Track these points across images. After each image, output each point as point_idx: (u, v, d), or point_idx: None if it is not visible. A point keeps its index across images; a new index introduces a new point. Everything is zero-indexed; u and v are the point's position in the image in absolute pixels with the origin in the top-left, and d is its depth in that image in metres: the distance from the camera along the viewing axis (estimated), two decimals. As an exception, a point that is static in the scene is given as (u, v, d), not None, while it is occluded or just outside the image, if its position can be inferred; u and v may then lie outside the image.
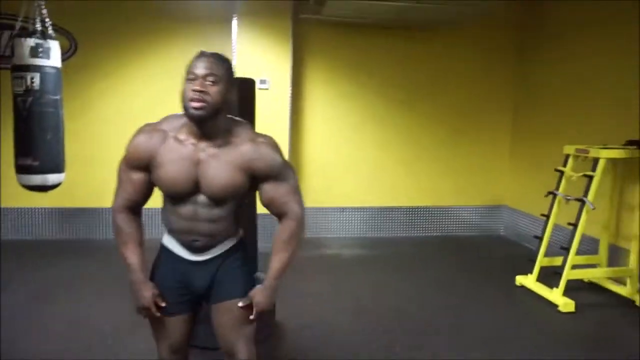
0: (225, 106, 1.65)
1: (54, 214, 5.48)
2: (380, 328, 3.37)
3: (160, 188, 1.74)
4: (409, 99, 5.90)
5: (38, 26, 3.52)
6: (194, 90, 1.58)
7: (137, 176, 1.74)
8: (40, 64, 3.47)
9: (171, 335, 1.87)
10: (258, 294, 1.79)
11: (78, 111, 4.99)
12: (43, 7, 3.54)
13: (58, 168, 3.64)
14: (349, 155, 5.88)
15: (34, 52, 3.45)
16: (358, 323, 3.45)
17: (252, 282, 1.86)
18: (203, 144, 1.67)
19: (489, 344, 3.18)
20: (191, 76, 1.61)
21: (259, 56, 5.22)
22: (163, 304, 1.77)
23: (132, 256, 1.77)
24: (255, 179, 1.72)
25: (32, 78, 3.47)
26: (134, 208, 1.81)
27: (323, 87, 5.75)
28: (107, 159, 5.12)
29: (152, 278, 1.84)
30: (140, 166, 1.72)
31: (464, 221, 6.14)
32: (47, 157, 3.56)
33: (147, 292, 1.76)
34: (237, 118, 1.80)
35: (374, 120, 5.89)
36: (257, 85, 3.56)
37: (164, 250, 1.86)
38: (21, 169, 3.56)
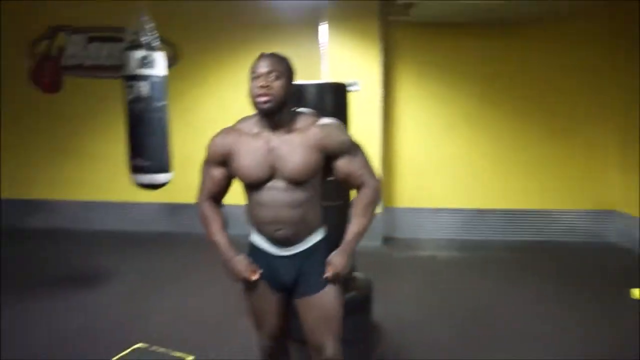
0: (288, 98, 1.78)
1: (162, 208, 5.89)
2: (476, 334, 3.24)
3: (240, 178, 1.84)
4: (504, 98, 5.63)
5: (145, 39, 3.79)
6: (260, 87, 1.72)
7: (216, 172, 1.89)
8: (148, 73, 3.74)
9: (269, 320, 1.95)
10: (335, 257, 1.86)
11: (179, 115, 5.31)
12: (150, 21, 3.80)
13: (165, 168, 3.90)
14: (442, 156, 5.73)
15: (143, 63, 3.71)
16: (453, 327, 3.34)
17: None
18: (274, 133, 1.79)
19: (598, 355, 2.94)
20: (255, 75, 1.76)
21: (348, 59, 5.24)
22: (259, 271, 1.86)
23: (219, 237, 1.92)
24: (327, 158, 1.82)
25: (141, 86, 3.74)
26: (215, 200, 1.96)
27: (413, 88, 5.65)
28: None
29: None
30: (219, 162, 1.87)
31: (567, 226, 5.72)
32: (156, 158, 3.83)
33: (240, 265, 1.86)
34: (300, 109, 1.90)
35: (467, 121, 5.69)
36: (348, 89, 3.57)
37: (252, 246, 1.95)
38: (134, 169, 3.86)
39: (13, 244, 5.44)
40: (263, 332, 2.00)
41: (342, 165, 1.83)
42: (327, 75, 5.25)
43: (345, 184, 1.87)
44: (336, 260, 1.84)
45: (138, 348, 2.42)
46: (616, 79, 5.49)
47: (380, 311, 3.51)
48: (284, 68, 1.78)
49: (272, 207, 1.79)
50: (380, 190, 1.89)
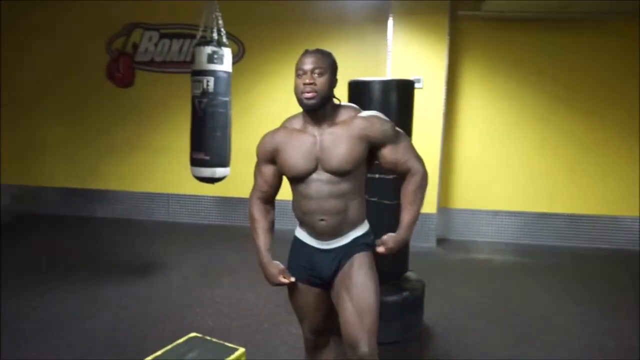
0: (332, 92, 1.85)
1: (222, 202, 6.08)
2: (536, 344, 3.13)
3: (286, 172, 1.89)
4: (573, 97, 5.39)
5: (215, 35, 3.92)
6: (305, 84, 1.78)
7: (267, 169, 1.95)
8: (215, 68, 3.87)
9: (310, 315, 2.00)
10: (389, 240, 1.89)
11: (242, 111, 5.46)
12: (220, 17, 3.93)
13: (225, 163, 4.04)
14: (504, 156, 5.56)
15: (211, 58, 3.85)
16: (511, 335, 3.25)
17: (376, 273, 1.90)
18: (318, 127, 1.84)
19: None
20: (300, 72, 1.82)
21: (413, 55, 5.18)
22: (292, 279, 1.93)
23: (260, 240, 1.98)
24: (372, 149, 1.86)
25: (207, 81, 3.89)
26: (267, 199, 2.01)
27: (479, 85, 5.51)
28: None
29: (289, 259, 2.02)
30: (268, 160, 1.94)
31: (636, 234, 5.42)
32: (216, 153, 3.97)
33: (274, 269, 1.93)
34: (343, 103, 1.94)
35: (533, 119, 5.49)
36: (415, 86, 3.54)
37: (295, 240, 2.00)
38: (195, 162, 4.02)
39: (79, 232, 5.81)
40: (305, 326, 2.05)
41: (388, 153, 1.86)
42: (391, 71, 5.22)
43: (393, 171, 1.90)
44: (390, 245, 1.87)
45: (192, 337, 2.54)
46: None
47: (432, 313, 3.50)
48: (328, 64, 1.83)
49: (316, 199, 1.83)
50: (427, 175, 1.90)
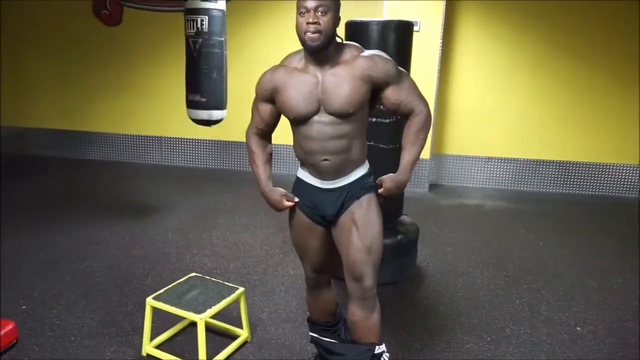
0: (335, 31, 1.79)
1: (216, 145, 6.05)
2: (524, 285, 3.25)
3: (286, 113, 1.86)
4: (573, 43, 5.31)
5: (208, -30, 3.75)
6: (308, 23, 1.71)
7: (264, 107, 1.94)
8: (209, 7, 3.73)
9: (312, 253, 2.02)
10: (388, 181, 1.91)
11: (234, 51, 5.32)
12: (212, -49, 3.74)
13: (221, 105, 3.96)
14: (499, 102, 5.54)
15: (204, -5, 3.70)
16: (500, 277, 3.36)
17: (379, 206, 1.93)
18: (320, 68, 1.79)
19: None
20: (302, 10, 1.74)
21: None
22: (295, 199, 1.96)
23: (259, 170, 2.01)
24: (375, 89, 1.82)
25: (201, 20, 3.75)
26: (263, 135, 2.02)
27: (477, 29, 5.40)
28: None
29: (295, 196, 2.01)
30: (266, 98, 1.92)
31: (626, 181, 5.52)
32: (213, 95, 3.89)
33: (276, 195, 1.96)
34: (345, 41, 1.89)
35: (531, 66, 5.43)
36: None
37: (298, 180, 1.99)
38: (191, 104, 3.94)
39: (69, 174, 5.79)
40: (307, 264, 2.08)
41: (391, 94, 1.83)
42: (387, 14, 5.08)
43: (396, 112, 1.89)
44: (389, 185, 1.90)
45: (192, 277, 2.59)
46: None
47: (424, 255, 3.60)
48: (332, 1, 1.74)
49: (318, 140, 1.81)
50: (430, 115, 1.88)
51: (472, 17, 5.36)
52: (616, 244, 4.07)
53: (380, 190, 1.91)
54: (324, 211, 1.91)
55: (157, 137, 6.16)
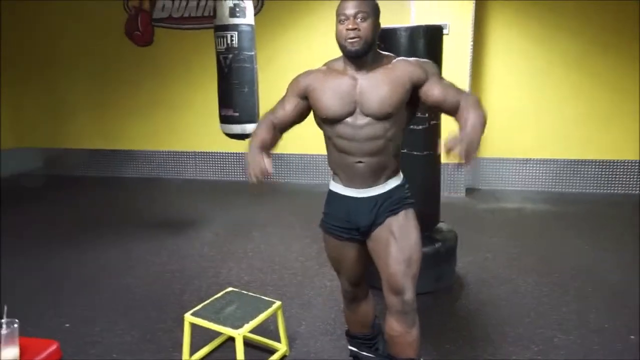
0: (376, 38, 1.77)
1: (242, 158, 6.10)
2: (571, 292, 3.11)
3: (319, 111, 1.82)
4: (611, 41, 5.13)
5: (234, -12, 3.80)
6: (348, 29, 1.71)
7: (291, 102, 1.90)
8: (238, 22, 3.78)
9: (347, 267, 1.98)
10: (457, 140, 1.55)
11: (264, 64, 5.35)
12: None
13: (254, 118, 3.99)
14: (534, 103, 5.40)
15: (233, 12, 3.75)
16: (544, 284, 3.22)
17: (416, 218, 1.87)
18: (359, 71, 1.78)
19: None
20: (342, 17, 1.73)
21: (439, 0, 4.96)
22: (270, 174, 1.76)
23: (255, 139, 1.86)
24: (415, 87, 1.78)
25: (231, 36, 3.80)
26: (277, 125, 1.92)
27: (508, 30, 5.29)
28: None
29: (324, 214, 1.98)
30: (297, 94, 1.88)
31: (674, 179, 5.27)
32: (245, 109, 3.93)
33: (259, 157, 1.77)
34: (384, 52, 1.87)
35: (567, 65, 5.27)
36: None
37: (331, 193, 1.96)
38: (224, 119, 3.99)
39: (108, 192, 5.94)
40: (343, 278, 2.04)
41: (431, 88, 1.76)
42: (415, 19, 5.03)
43: (442, 107, 1.77)
44: (458, 140, 1.55)
45: (230, 291, 2.58)
46: None
47: (463, 263, 3.50)
48: (371, 8, 1.74)
49: (353, 141, 1.78)
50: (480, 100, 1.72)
51: (502, 17, 5.25)
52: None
53: (451, 150, 1.53)
54: (357, 222, 1.87)
55: (191, 152, 6.26)
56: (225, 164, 6.19)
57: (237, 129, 3.96)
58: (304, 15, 5.54)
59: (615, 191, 5.37)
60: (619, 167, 5.35)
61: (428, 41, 2.96)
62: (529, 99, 5.39)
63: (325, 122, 1.83)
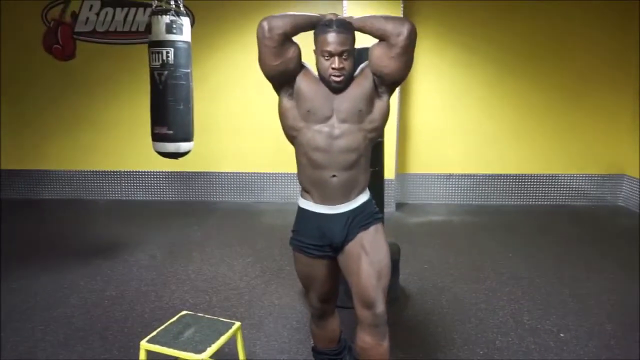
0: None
1: (174, 177, 5.93)
2: (504, 296, 3.35)
3: (305, 102, 1.84)
4: (521, 63, 5.66)
5: (172, 3, 3.74)
6: (334, 68, 1.77)
7: (292, 49, 1.83)
8: (174, 39, 3.70)
9: (318, 284, 2.01)
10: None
11: (197, 82, 5.27)
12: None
13: (189, 137, 3.90)
14: (456, 122, 5.78)
15: (169, 28, 3.68)
16: (480, 290, 3.45)
17: (383, 229, 1.95)
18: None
19: (619, 317, 3.07)
20: (326, 54, 1.77)
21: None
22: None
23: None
24: (374, 72, 1.83)
25: (167, 53, 3.71)
26: (289, 31, 1.83)
27: (430, 54, 5.63)
28: (222, 126, 5.52)
29: (294, 232, 2.00)
30: (296, 65, 1.85)
31: (577, 190, 5.86)
32: (180, 127, 3.83)
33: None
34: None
35: (484, 86, 5.72)
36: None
37: (301, 211, 1.98)
38: (157, 137, 3.86)
39: (29, 215, 5.51)
40: (313, 295, 2.06)
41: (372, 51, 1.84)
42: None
43: (390, 54, 1.78)
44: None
45: (184, 315, 2.50)
46: (631, 44, 5.50)
47: (403, 276, 3.64)
48: (352, 42, 1.80)
49: (328, 152, 1.82)
50: (415, 31, 1.77)
51: (426, 42, 5.57)
52: (578, 250, 4.29)
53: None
54: (332, 238, 1.90)
55: (115, 171, 5.97)
56: (155, 183, 5.97)
57: (171, 147, 3.82)
58: (235, 35, 5.53)
59: (526, 202, 5.87)
60: (529, 180, 5.85)
61: (359, 63, 3.10)
62: (452, 118, 5.76)
63: (305, 118, 1.84)
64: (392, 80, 1.84)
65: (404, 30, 1.73)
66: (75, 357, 2.63)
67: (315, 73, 1.88)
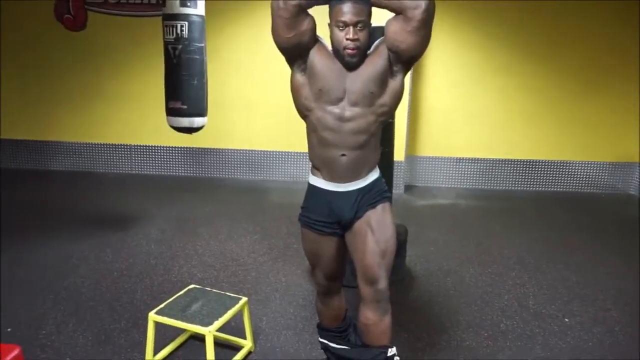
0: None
1: (185, 152, 5.94)
2: (510, 280, 3.37)
3: (317, 80, 1.81)
4: (535, 49, 5.58)
5: (185, -25, 3.69)
6: (348, 39, 1.72)
7: (307, 21, 1.78)
8: (189, 12, 3.67)
9: (325, 261, 2.02)
10: None
11: (208, 56, 5.24)
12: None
13: (203, 112, 3.90)
14: (468, 106, 5.72)
15: (184, 1, 3.64)
16: (486, 274, 3.47)
17: (390, 208, 1.94)
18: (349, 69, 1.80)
19: (625, 305, 3.07)
20: (340, 25, 1.73)
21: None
22: None
23: None
24: (389, 48, 1.77)
25: (181, 26, 3.69)
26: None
27: (446, 35, 5.55)
28: (233, 103, 5.50)
29: (303, 208, 2.00)
30: (311, 38, 1.80)
31: (587, 177, 5.82)
32: (194, 102, 3.82)
33: None
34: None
35: (497, 70, 5.64)
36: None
37: (311, 187, 1.98)
38: (172, 112, 3.86)
39: (39, 187, 5.56)
40: (319, 272, 2.07)
41: (388, 25, 1.76)
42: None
43: (405, 33, 1.71)
44: None
45: (192, 289, 2.54)
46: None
47: (410, 257, 3.66)
48: (368, 13, 1.75)
49: (338, 132, 1.81)
50: (433, 4, 1.69)
51: (441, 23, 5.49)
52: (586, 237, 4.28)
53: None
54: (340, 216, 1.91)
55: (126, 145, 5.99)
56: (167, 157, 5.99)
57: (185, 122, 3.83)
58: (247, 9, 5.46)
59: (536, 188, 5.83)
60: (538, 166, 5.81)
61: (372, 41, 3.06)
62: (463, 102, 5.71)
63: (317, 97, 1.82)
64: (409, 56, 1.79)
65: (422, 2, 1.67)
66: (84, 325, 2.68)
67: (330, 48, 1.84)
